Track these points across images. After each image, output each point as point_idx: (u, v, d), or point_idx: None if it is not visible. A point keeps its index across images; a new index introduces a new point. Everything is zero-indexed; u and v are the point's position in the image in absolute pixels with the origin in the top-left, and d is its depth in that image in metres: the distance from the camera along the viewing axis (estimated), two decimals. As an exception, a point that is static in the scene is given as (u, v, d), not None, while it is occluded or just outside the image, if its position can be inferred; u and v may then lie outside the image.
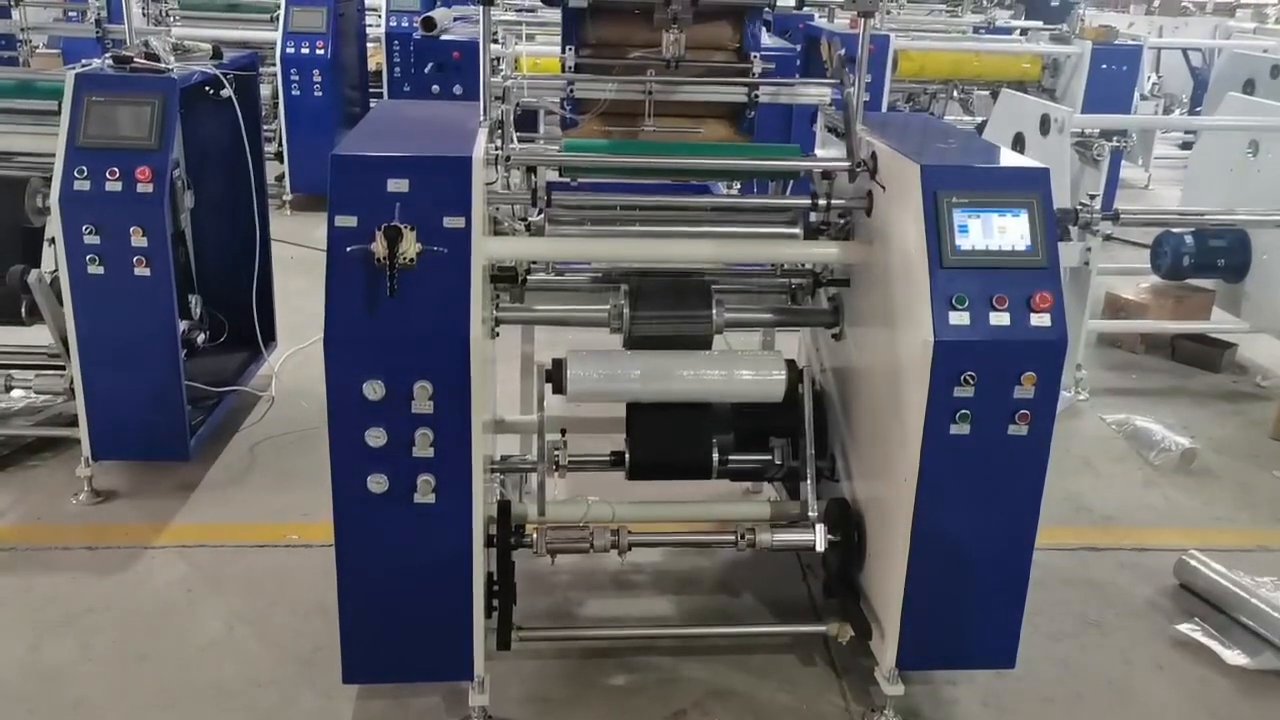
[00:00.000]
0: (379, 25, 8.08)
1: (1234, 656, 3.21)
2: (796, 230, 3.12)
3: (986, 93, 8.62)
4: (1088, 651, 3.26)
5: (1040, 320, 2.55)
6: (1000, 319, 2.54)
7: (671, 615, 3.40)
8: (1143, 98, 9.25)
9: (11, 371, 4.02)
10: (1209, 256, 5.28)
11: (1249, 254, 5.26)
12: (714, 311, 3.04)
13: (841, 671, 3.09)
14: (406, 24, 7.68)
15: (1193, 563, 3.57)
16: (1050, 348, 2.56)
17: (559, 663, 3.09)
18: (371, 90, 8.33)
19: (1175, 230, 5.31)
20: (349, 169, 2.54)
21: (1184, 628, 3.35)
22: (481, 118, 2.89)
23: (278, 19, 7.52)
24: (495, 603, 2.81)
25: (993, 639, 2.82)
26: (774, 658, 3.14)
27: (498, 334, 3.12)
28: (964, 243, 2.58)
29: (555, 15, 4.10)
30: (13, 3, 7.57)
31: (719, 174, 3.26)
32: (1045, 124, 5.12)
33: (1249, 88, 7.92)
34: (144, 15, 8.01)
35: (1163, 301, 5.72)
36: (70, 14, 8.39)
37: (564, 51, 3.53)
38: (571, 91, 3.38)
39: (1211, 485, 4.39)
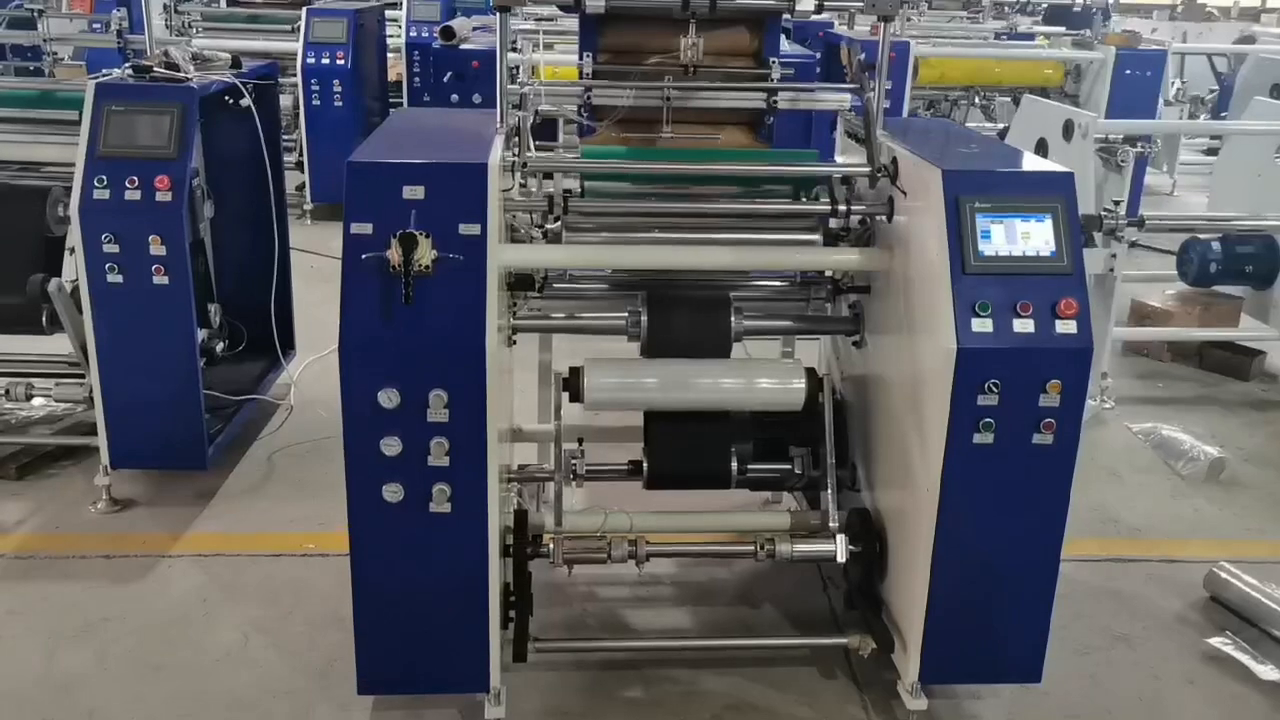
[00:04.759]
0: (399, 36, 8.12)
1: (1268, 671, 3.14)
2: (816, 236, 3.09)
3: (1009, 99, 8.56)
4: (1116, 666, 3.20)
5: (1066, 327, 2.51)
6: (1024, 326, 2.50)
7: (690, 627, 3.36)
8: (1167, 103, 9.16)
9: (32, 380, 4.04)
10: (1236, 263, 5.20)
11: (1278, 260, 5.17)
12: (733, 319, 3.01)
13: (863, 685, 3.04)
14: (426, 34, 7.71)
15: (1224, 575, 3.50)
16: (1076, 355, 2.51)
17: (576, 675, 3.05)
18: (392, 100, 8.37)
19: (1202, 236, 5.23)
20: (365, 176, 2.52)
21: (1215, 641, 3.28)
22: (498, 124, 2.87)
23: (298, 30, 7.56)
24: (512, 613, 2.79)
25: (1018, 652, 2.76)
26: (794, 670, 3.10)
27: (514, 342, 3.10)
28: (987, 248, 2.54)
29: (573, 24, 4.09)
30: (37, 14, 7.66)
31: (737, 180, 3.23)
32: (1069, 129, 5.06)
33: (1276, 92, 7.83)
34: (166, 27, 8.09)
35: (1189, 309, 5.64)
36: (94, 25, 8.47)
37: (581, 58, 3.52)
38: (589, 98, 3.37)
39: (1242, 496, 4.31)
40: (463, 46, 7.46)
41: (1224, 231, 5.20)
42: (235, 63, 4.21)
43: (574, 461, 3.05)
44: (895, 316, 2.85)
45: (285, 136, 5.87)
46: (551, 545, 2.91)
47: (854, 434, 3.20)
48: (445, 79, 7.42)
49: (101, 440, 3.78)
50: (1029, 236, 2.56)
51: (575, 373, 2.99)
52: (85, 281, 3.60)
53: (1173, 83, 9.84)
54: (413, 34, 7.84)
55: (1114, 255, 4.75)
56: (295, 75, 7.44)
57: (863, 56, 3.15)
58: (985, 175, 2.70)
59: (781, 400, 3.06)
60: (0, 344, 4.16)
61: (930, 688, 2.80)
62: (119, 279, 3.59)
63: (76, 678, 3.01)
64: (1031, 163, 2.95)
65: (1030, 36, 9.49)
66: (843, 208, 2.98)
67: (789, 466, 3.15)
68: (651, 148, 3.38)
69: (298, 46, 7.50)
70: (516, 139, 2.93)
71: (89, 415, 3.93)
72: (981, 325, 2.49)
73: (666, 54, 3.40)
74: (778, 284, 3.35)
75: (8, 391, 4.01)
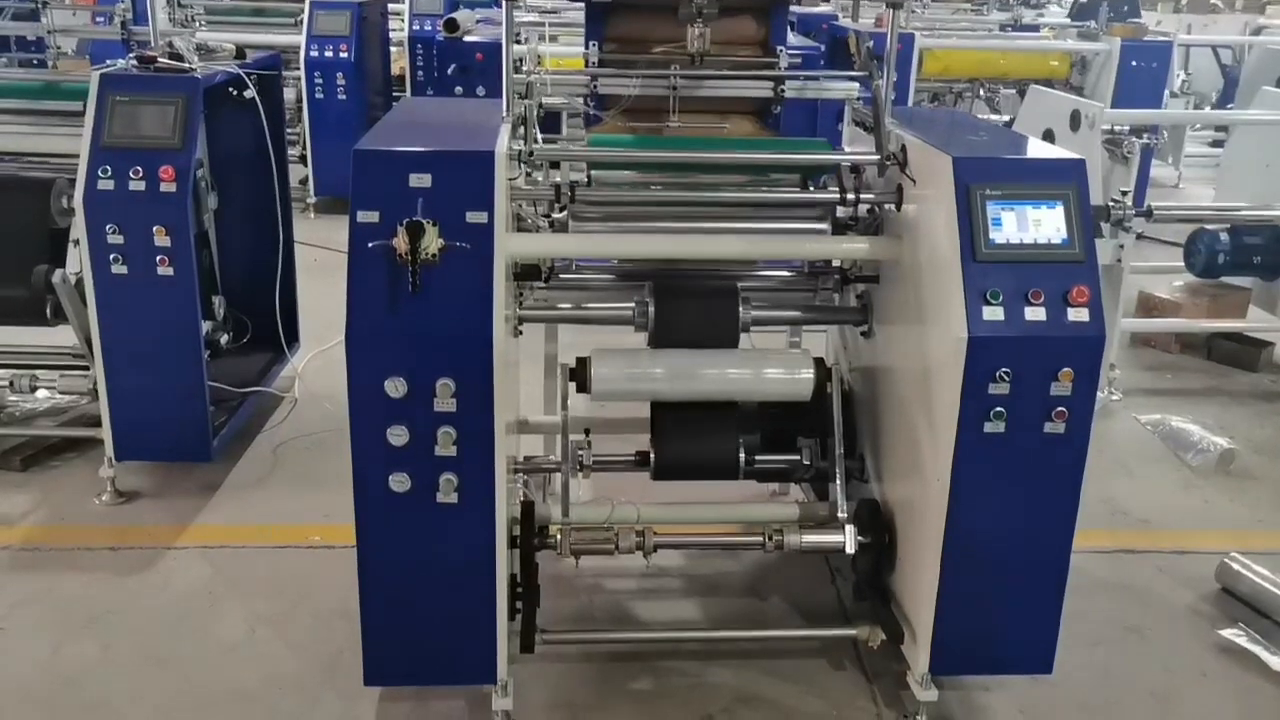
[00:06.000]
0: (402, 29, 8.09)
1: (1280, 663, 3.13)
2: (824, 226, 3.07)
3: (1013, 91, 8.52)
4: (1127, 658, 3.18)
5: (1078, 315, 2.48)
6: (1036, 314, 2.48)
7: (698, 619, 3.35)
8: (1172, 95, 9.10)
9: (36, 372, 4.03)
10: (1245, 254, 5.18)
11: (1286, 251, 5.15)
12: (740, 309, 2.98)
13: (872, 676, 3.02)
14: (430, 27, 7.69)
15: (1235, 566, 3.48)
16: (1088, 343, 2.49)
17: (584, 666, 3.04)
18: (395, 94, 8.36)
19: (1210, 227, 5.21)
20: (371, 164, 2.51)
21: (1227, 633, 3.27)
22: (504, 114, 2.85)
23: (301, 22, 7.54)
24: (519, 605, 2.77)
25: (1029, 644, 2.74)
26: (803, 662, 3.08)
27: (520, 332, 3.07)
28: (998, 236, 2.52)
29: (578, 16, 4.06)
30: (40, 6, 7.64)
31: (745, 168, 3.21)
32: (1075, 120, 5.03)
33: (1283, 83, 7.77)
34: (170, 20, 8.06)
35: (1197, 300, 5.61)
36: (98, 18, 8.45)
37: (587, 47, 3.49)
38: (595, 88, 3.34)
39: (1252, 487, 4.29)
40: (466, 39, 7.45)
41: (1232, 222, 5.18)
42: (239, 54, 4.19)
43: (581, 452, 3.03)
44: (904, 306, 2.83)
45: (289, 130, 5.84)
46: (559, 536, 2.89)
47: (862, 424, 3.18)
48: (449, 71, 7.40)
49: (106, 432, 3.77)
50: (1040, 224, 2.54)
51: (582, 363, 2.97)
52: (89, 273, 3.59)
53: (1178, 75, 9.78)
54: (416, 27, 7.81)
55: (1121, 246, 4.73)
56: (298, 68, 7.43)
57: (870, 44, 3.13)
58: (996, 162, 2.67)
59: (789, 391, 3.04)
60: (4, 336, 4.16)
61: (940, 679, 2.78)
62: (123, 270, 3.57)
63: (82, 670, 3.00)
64: (1042, 150, 2.93)
65: (1035, 28, 9.44)
66: (851, 196, 2.94)
67: (797, 457, 3.13)
68: (658, 136, 3.35)
69: (301, 39, 7.48)
70: (522, 128, 2.91)
71: (93, 407, 3.93)
72: (992, 313, 2.46)
73: (673, 43, 3.38)
74: (785, 274, 3.33)
75: (12, 383, 4.00)
